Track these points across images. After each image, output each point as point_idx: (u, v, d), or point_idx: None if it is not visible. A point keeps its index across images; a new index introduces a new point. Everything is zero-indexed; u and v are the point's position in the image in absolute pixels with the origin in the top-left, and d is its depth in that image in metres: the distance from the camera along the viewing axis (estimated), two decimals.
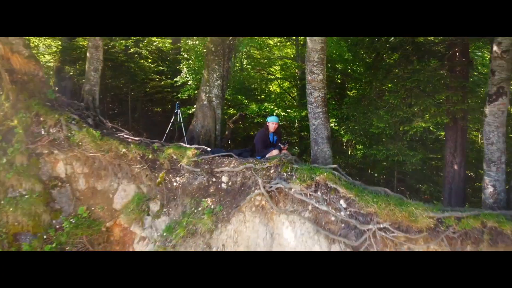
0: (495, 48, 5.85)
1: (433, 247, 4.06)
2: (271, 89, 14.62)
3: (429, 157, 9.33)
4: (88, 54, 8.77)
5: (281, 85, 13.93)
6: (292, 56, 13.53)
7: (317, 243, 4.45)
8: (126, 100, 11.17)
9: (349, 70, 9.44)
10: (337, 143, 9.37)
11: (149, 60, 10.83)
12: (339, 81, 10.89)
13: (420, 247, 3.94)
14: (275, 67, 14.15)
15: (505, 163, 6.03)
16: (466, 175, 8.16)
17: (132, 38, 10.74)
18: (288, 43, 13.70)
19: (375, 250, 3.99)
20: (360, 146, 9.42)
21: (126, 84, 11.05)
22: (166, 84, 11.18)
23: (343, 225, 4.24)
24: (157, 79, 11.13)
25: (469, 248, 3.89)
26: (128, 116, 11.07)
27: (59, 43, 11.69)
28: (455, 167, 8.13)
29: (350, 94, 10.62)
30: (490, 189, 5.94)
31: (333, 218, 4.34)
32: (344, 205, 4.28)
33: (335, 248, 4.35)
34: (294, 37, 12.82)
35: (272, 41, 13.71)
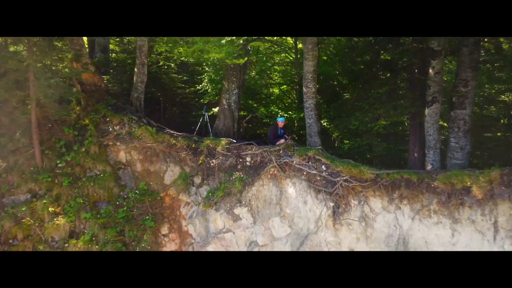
0: (430, 70, 9.13)
1: (380, 194, 7.29)
2: (271, 91, 17.62)
3: (401, 149, 12.51)
4: (136, 70, 11.97)
5: (281, 88, 17.02)
6: (291, 58, 16.63)
7: (309, 194, 7.70)
8: (157, 104, 14.35)
9: (338, 81, 12.70)
10: (328, 138, 12.60)
11: (178, 74, 14.01)
12: (336, 83, 13.98)
13: (368, 192, 7.18)
14: (275, 73, 17.24)
15: (439, 149, 9.26)
16: (423, 160, 11.38)
17: (163, 54, 13.97)
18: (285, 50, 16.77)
19: (342, 194, 7.23)
20: (347, 141, 12.63)
21: (157, 91, 14.21)
22: (190, 91, 14.40)
23: (324, 181, 7.50)
24: (183, 87, 14.34)
25: (396, 193, 7.12)
26: (159, 117, 14.21)
27: None
28: (416, 154, 11.34)
29: (347, 96, 13.72)
30: (429, 167, 9.21)
31: (318, 177, 7.59)
32: (324, 168, 7.54)
33: (320, 196, 7.59)
34: (292, 47, 15.94)
35: (273, 48, 16.74)
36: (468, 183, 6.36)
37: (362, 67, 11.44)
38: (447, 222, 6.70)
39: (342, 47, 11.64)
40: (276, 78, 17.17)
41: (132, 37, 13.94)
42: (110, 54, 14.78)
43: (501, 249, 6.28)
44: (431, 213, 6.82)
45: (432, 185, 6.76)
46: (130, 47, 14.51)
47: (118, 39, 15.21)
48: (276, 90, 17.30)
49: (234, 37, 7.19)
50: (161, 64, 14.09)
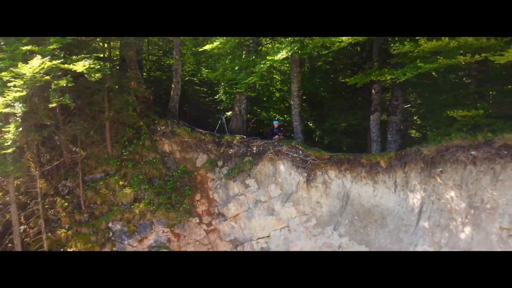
0: (373, 91, 14.54)
1: (333, 168, 12.74)
2: (272, 90, 22.75)
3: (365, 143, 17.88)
4: (173, 86, 17.41)
5: (280, 93, 22.28)
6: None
7: (292, 169, 13.21)
8: (184, 110, 19.78)
9: (319, 93, 18.16)
10: (313, 136, 18.04)
11: (200, 86, 19.53)
12: (318, 94, 19.40)
13: (327, 166, 12.62)
14: (276, 80, 22.45)
15: (380, 142, 14.65)
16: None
17: (189, 72, 19.44)
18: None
19: (311, 168, 12.67)
20: (326, 137, 18.04)
21: (183, 100, 19.64)
22: (209, 100, 19.89)
23: (301, 160, 13.00)
24: (203, 97, 19.83)
25: (343, 167, 12.57)
26: (185, 120, 19.64)
27: None
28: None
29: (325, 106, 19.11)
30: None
31: (297, 158, 13.08)
32: (301, 153, 13.02)
33: (299, 170, 13.04)
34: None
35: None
36: (378, 159, 11.81)
37: (335, 84, 16.93)
38: (370, 183, 12.16)
39: (323, 69, 17.16)
40: (277, 83, 22.42)
41: (167, 60, 19.43)
42: (145, 71, 20.27)
43: (398, 197, 11.70)
44: (362, 178, 12.28)
45: (361, 161, 12.22)
46: (163, 65, 20.03)
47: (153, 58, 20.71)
48: (277, 94, 22.63)
49: (248, 79, 12.57)
50: (187, 79, 19.58)
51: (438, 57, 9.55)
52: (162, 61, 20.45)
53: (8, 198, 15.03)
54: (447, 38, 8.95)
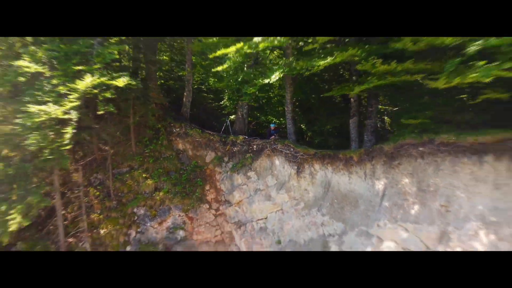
0: (351, 99, 18.00)
1: (318, 162, 16.19)
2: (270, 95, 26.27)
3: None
4: (185, 94, 20.92)
5: (278, 97, 25.73)
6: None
7: (285, 164, 16.66)
8: (191, 114, 23.23)
9: (309, 100, 21.62)
10: (304, 136, 21.47)
11: (207, 93, 23.02)
12: (308, 101, 22.89)
13: (313, 160, 16.06)
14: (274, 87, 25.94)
15: (358, 141, 18.12)
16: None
17: (198, 81, 22.90)
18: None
19: (300, 162, 16.12)
20: (316, 137, 21.48)
21: (193, 105, 23.11)
22: (215, 105, 23.37)
23: (292, 156, 16.43)
24: (210, 102, 23.30)
25: (325, 161, 16.04)
26: (193, 123, 23.09)
27: None
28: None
29: (314, 111, 22.62)
30: None
31: (290, 154, 16.51)
32: (292, 150, 16.45)
33: (291, 164, 16.50)
34: None
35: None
36: (352, 155, 15.24)
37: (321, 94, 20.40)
38: (346, 173, 15.59)
39: (313, 80, 20.63)
40: (275, 89, 25.90)
41: (178, 71, 22.88)
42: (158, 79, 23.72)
43: (367, 184, 15.10)
44: (340, 170, 15.70)
45: (339, 156, 15.65)
46: (175, 76, 23.51)
47: (165, 69, 24.20)
48: (275, 98, 26.10)
49: (249, 90, 16.00)
50: (196, 87, 23.06)
51: (387, 76, 12.98)
52: (174, 71, 23.93)
53: (48, 188, 18.52)
54: (395, 64, 12.38)
